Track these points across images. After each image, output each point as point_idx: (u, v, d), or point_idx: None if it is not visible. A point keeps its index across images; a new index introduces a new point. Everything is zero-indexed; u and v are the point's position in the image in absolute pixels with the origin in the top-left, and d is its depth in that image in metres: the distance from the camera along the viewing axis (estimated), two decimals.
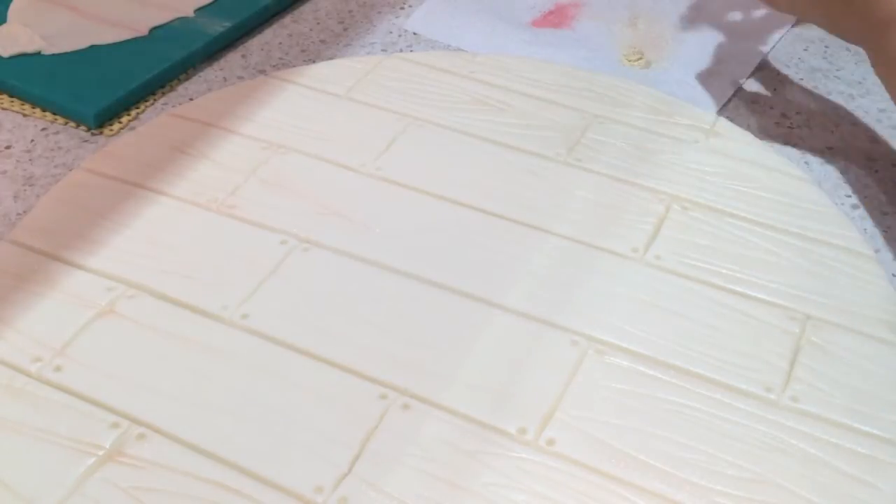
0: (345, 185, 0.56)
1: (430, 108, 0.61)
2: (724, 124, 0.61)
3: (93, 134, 0.61)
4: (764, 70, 0.68)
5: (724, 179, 0.56)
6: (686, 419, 0.44)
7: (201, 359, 0.46)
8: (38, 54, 0.66)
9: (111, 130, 0.61)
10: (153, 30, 0.68)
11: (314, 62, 0.67)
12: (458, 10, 0.72)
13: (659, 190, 0.55)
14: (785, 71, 0.68)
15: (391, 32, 0.70)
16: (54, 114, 0.62)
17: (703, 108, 0.62)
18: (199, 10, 0.70)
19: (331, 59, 0.67)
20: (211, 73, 0.67)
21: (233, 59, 0.68)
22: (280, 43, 0.69)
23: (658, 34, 0.70)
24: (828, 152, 0.61)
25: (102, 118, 0.61)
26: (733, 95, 0.65)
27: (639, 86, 0.64)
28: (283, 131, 0.59)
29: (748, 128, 0.61)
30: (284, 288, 0.50)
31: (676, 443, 0.43)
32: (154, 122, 0.61)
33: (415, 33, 0.70)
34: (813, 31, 0.71)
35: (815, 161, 0.60)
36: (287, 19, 0.72)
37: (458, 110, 0.61)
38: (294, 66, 0.66)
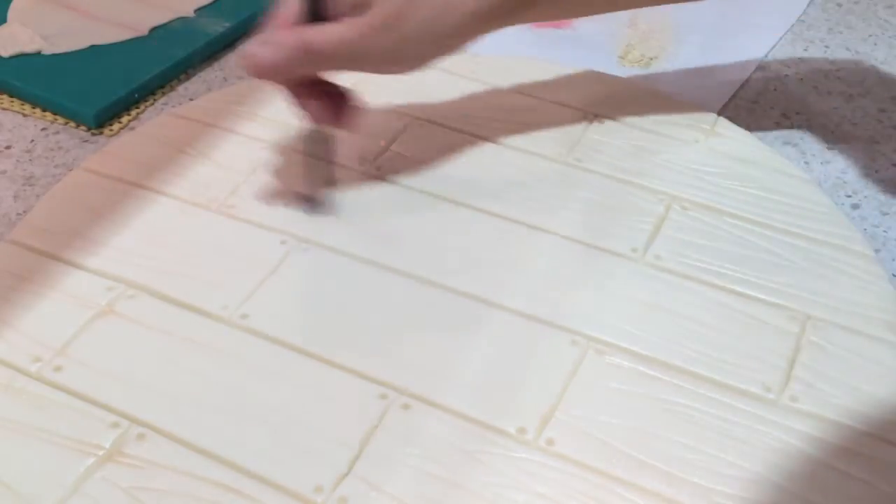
0: (345, 184, 0.56)
1: (431, 108, 0.61)
2: (724, 124, 0.61)
3: (93, 134, 0.61)
4: (764, 70, 0.68)
5: (724, 179, 0.56)
6: (686, 419, 0.44)
7: (201, 359, 0.46)
8: (38, 54, 0.66)
9: (111, 130, 0.61)
10: (153, 30, 0.68)
11: None
12: None
13: (659, 190, 0.55)
14: (785, 71, 0.68)
15: None
16: (54, 114, 0.63)
17: (703, 108, 0.62)
18: (199, 10, 0.70)
19: None
20: (211, 73, 0.67)
21: (233, 59, 0.68)
22: None
23: (658, 34, 0.70)
24: (828, 152, 0.61)
25: (102, 118, 0.61)
26: (733, 95, 0.65)
27: (639, 86, 0.64)
28: (283, 131, 0.59)
29: (748, 128, 0.61)
30: (284, 288, 0.50)
31: (676, 443, 0.43)
32: (154, 122, 0.61)
33: None
34: (813, 32, 0.71)
35: (815, 161, 0.60)
36: None
37: (458, 110, 0.61)
38: None
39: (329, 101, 0.51)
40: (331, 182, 0.55)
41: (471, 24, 0.50)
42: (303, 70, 0.50)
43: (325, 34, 0.48)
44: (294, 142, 0.57)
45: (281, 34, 0.49)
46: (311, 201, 0.54)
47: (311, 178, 0.55)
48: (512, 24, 0.52)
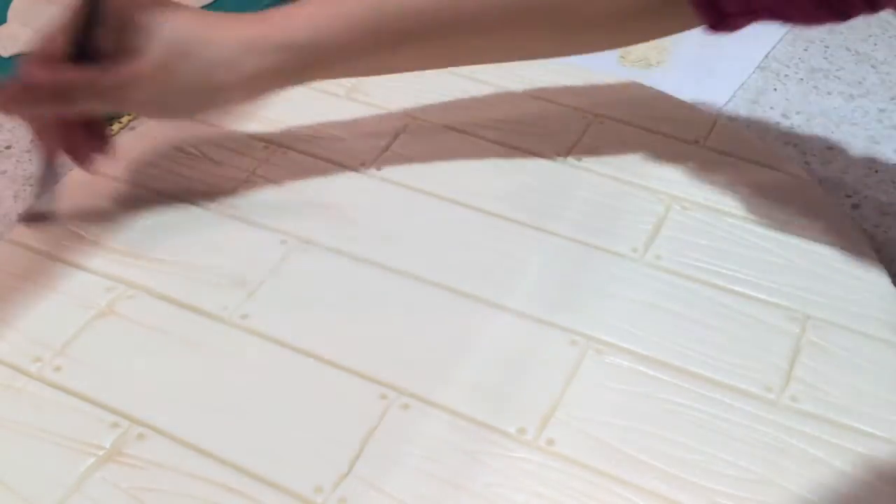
0: (345, 185, 0.56)
1: (430, 108, 0.61)
2: (724, 124, 0.61)
3: None
4: (764, 70, 0.68)
5: (724, 179, 0.56)
6: (686, 419, 0.44)
7: (201, 359, 0.46)
8: None
9: (111, 130, 0.61)
10: None
11: None
12: None
13: (659, 190, 0.55)
14: (785, 71, 0.68)
15: None
16: None
17: (703, 108, 0.62)
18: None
19: None
20: None
21: None
22: None
23: None
24: (828, 152, 0.61)
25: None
26: (733, 95, 0.65)
27: (639, 86, 0.64)
28: (283, 131, 0.59)
29: (748, 128, 0.61)
30: (284, 288, 0.50)
31: (676, 443, 0.43)
32: (154, 122, 0.61)
33: None
34: (813, 32, 0.71)
35: (815, 161, 0.60)
36: None
37: (458, 110, 0.61)
38: None
39: (75, 135, 0.50)
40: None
41: (247, 84, 0.49)
42: (51, 107, 0.49)
43: (81, 75, 0.47)
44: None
45: (34, 69, 0.47)
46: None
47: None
48: (300, 83, 0.52)
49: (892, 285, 0.50)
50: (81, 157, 0.52)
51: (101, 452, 0.42)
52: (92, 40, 0.47)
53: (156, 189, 0.55)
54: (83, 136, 0.51)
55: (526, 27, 0.51)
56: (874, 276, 0.50)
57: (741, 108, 0.64)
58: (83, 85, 0.47)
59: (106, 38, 0.47)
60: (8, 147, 0.60)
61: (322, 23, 0.50)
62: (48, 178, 0.53)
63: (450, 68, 0.64)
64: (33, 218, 0.53)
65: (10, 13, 0.69)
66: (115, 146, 0.52)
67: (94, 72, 0.47)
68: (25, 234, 0.53)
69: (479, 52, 0.54)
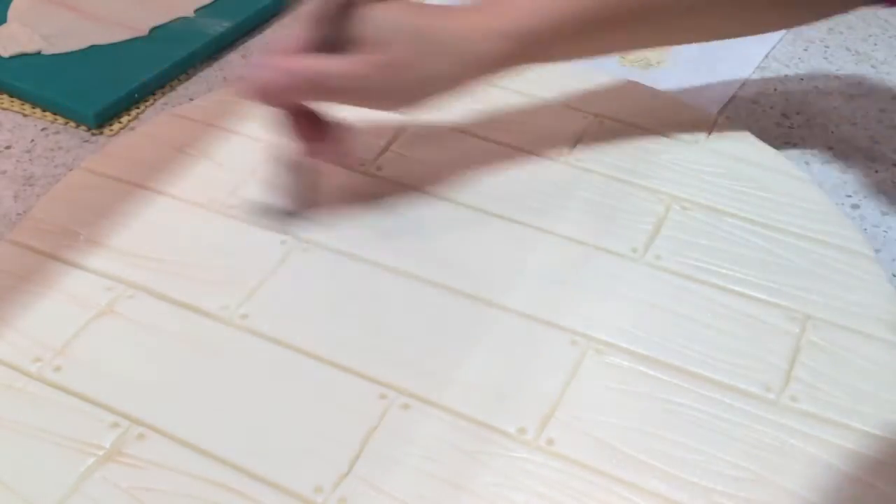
0: (345, 184, 0.56)
1: (430, 108, 0.61)
2: (724, 124, 0.61)
3: (93, 134, 0.61)
4: (764, 70, 0.68)
5: (724, 179, 0.56)
6: (686, 419, 0.44)
7: (202, 359, 0.46)
8: (38, 54, 0.66)
9: (111, 130, 0.61)
10: (153, 30, 0.68)
11: None
12: None
13: (659, 190, 0.55)
14: (785, 71, 0.68)
15: None
16: (54, 114, 0.63)
17: (703, 108, 0.62)
18: (199, 10, 0.70)
19: None
20: (211, 73, 0.67)
21: (233, 59, 0.68)
22: None
23: None
24: (828, 152, 0.61)
25: (102, 118, 0.61)
26: (733, 95, 0.65)
27: (639, 86, 0.64)
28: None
29: (748, 128, 0.61)
30: (284, 288, 0.50)
31: (676, 443, 0.43)
32: (154, 122, 0.61)
33: None
34: (813, 32, 0.71)
35: (815, 161, 0.60)
36: (287, 19, 0.72)
37: (458, 110, 0.61)
38: None
39: (321, 132, 0.51)
40: (310, 204, 0.54)
41: (468, 71, 0.51)
42: (307, 98, 0.50)
43: (337, 65, 0.48)
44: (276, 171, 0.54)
45: (290, 60, 0.48)
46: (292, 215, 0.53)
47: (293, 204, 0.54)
48: (513, 69, 0.53)
49: (892, 285, 0.50)
50: (312, 147, 0.51)
51: (100, 452, 0.42)
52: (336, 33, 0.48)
53: (156, 189, 0.55)
54: (312, 126, 0.51)
55: (722, 4, 0.53)
56: (874, 276, 0.50)
57: (741, 108, 0.64)
58: (339, 77, 0.48)
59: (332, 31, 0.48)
60: (8, 147, 0.60)
61: (546, 11, 0.50)
62: (301, 174, 0.53)
63: None
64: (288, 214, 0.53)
65: (10, 13, 0.69)
66: (341, 135, 0.52)
67: (347, 62, 0.48)
68: (25, 234, 0.53)
69: (682, 32, 0.55)
